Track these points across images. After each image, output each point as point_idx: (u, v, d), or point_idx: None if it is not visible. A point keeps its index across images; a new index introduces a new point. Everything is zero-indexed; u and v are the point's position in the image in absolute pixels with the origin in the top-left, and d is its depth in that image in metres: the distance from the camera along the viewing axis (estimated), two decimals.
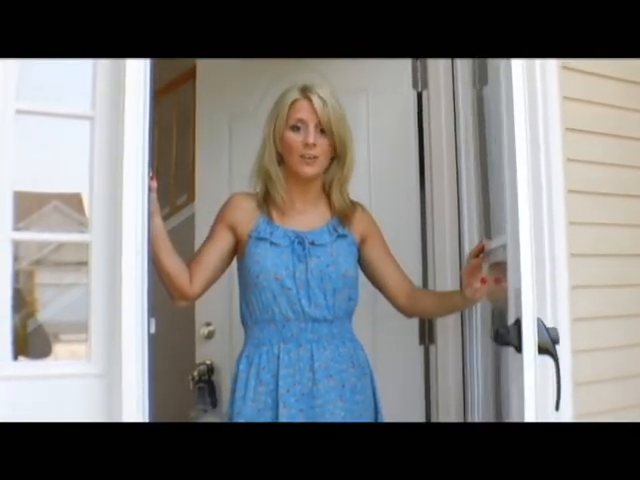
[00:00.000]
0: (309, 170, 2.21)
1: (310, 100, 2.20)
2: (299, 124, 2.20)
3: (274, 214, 2.25)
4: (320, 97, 2.19)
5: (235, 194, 2.34)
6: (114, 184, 1.84)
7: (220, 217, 2.28)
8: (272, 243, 2.20)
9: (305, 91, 2.21)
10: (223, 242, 2.25)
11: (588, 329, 2.34)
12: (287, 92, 2.24)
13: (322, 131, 2.20)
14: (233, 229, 2.25)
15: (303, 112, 2.20)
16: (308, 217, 2.27)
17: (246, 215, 2.25)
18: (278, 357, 2.17)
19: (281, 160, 2.26)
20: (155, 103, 1.88)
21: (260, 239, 2.21)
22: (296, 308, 2.18)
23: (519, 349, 1.83)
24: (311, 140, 2.18)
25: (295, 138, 2.20)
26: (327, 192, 2.30)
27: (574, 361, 2.23)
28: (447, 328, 2.56)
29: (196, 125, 3.26)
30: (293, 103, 2.21)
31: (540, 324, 1.87)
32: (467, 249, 2.44)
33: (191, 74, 3.74)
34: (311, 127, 2.19)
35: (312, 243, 2.22)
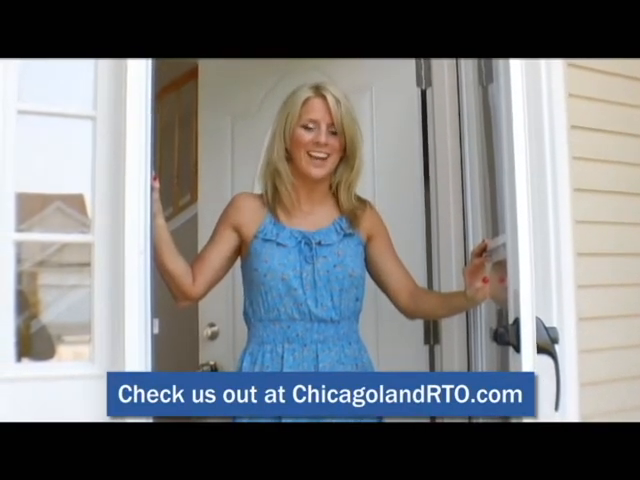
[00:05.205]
0: (318, 172, 2.19)
1: (324, 99, 2.18)
2: (311, 123, 2.18)
3: (280, 214, 2.24)
4: (334, 97, 2.18)
5: (239, 194, 2.33)
6: (116, 184, 1.84)
7: (224, 217, 2.26)
8: (279, 244, 2.19)
9: (319, 90, 2.19)
10: (227, 243, 2.23)
11: (594, 329, 2.33)
12: (299, 90, 2.22)
13: (333, 131, 2.18)
14: (237, 230, 2.23)
15: (316, 111, 2.18)
16: (315, 217, 2.26)
17: (251, 215, 2.24)
18: (282, 357, 2.16)
19: (289, 158, 2.23)
20: (157, 103, 1.87)
21: (266, 240, 2.20)
22: (302, 309, 2.16)
23: (518, 349, 1.82)
24: (323, 140, 2.16)
25: (306, 136, 2.18)
26: (334, 192, 2.29)
27: (580, 361, 2.21)
28: (452, 328, 2.54)
29: (198, 125, 3.26)
30: (306, 101, 2.19)
31: (539, 323, 1.87)
32: (472, 248, 2.42)
33: (193, 74, 3.73)
34: (323, 127, 2.17)
35: (319, 243, 2.20)
